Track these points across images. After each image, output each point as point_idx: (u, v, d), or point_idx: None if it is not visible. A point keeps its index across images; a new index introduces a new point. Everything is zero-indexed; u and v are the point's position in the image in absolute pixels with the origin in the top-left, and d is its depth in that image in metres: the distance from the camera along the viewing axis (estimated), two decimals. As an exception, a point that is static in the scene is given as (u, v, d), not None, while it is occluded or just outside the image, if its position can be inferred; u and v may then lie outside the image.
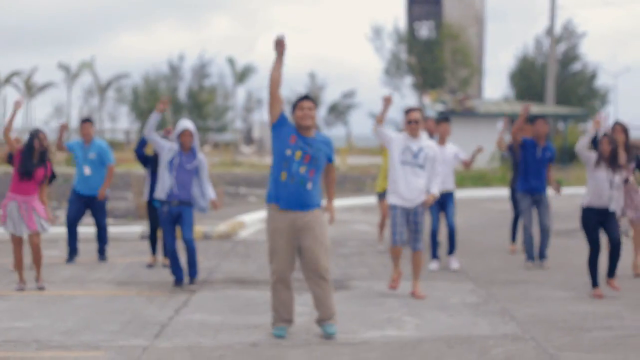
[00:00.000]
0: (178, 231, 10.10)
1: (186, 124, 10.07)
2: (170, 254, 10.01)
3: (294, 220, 7.50)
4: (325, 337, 7.56)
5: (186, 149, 10.01)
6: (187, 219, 10.04)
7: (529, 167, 11.55)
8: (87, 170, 11.96)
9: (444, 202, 11.66)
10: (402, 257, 9.61)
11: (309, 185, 7.48)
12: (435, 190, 9.37)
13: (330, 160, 7.68)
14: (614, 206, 9.39)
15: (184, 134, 9.95)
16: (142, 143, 11.14)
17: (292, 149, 7.46)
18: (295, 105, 7.59)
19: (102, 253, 12.18)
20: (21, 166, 9.78)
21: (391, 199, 9.43)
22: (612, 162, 9.37)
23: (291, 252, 7.58)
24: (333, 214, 7.80)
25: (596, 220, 9.48)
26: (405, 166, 9.31)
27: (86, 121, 12.20)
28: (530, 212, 11.59)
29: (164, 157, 9.98)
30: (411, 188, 9.31)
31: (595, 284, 9.50)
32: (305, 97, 7.65)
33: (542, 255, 11.60)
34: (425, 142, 9.45)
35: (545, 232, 11.56)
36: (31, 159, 9.80)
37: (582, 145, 9.54)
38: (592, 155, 9.49)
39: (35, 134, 9.90)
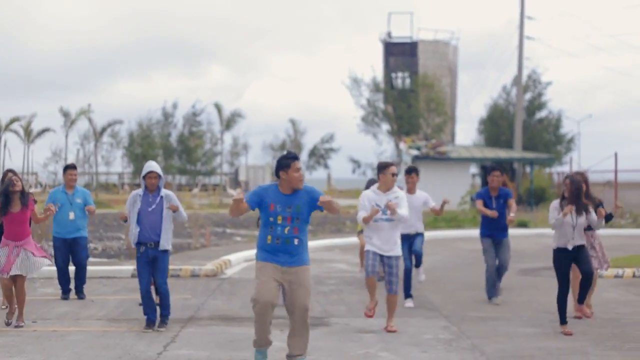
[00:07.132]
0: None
1: (152, 165, 9.59)
2: (144, 295, 9.60)
3: (281, 269, 7.32)
4: None
5: (152, 191, 9.57)
6: (161, 265, 9.62)
7: (488, 217, 11.59)
8: (72, 215, 11.74)
9: (414, 241, 11.69)
10: (378, 292, 9.53)
11: (295, 241, 7.34)
12: (402, 210, 9.28)
13: (316, 204, 7.30)
14: (579, 242, 9.40)
15: (150, 176, 9.49)
16: None
17: (274, 216, 7.31)
18: (289, 165, 7.27)
19: (80, 291, 11.91)
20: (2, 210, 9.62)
21: (368, 247, 9.46)
22: (575, 201, 9.37)
23: (274, 283, 7.27)
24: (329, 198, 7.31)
25: (568, 258, 9.48)
26: (378, 223, 9.32)
27: (72, 167, 11.93)
28: (491, 253, 11.64)
29: (130, 206, 9.62)
30: (385, 241, 9.35)
31: (563, 321, 9.45)
32: (297, 157, 7.37)
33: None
34: (393, 193, 9.38)
35: (501, 267, 11.63)
36: (9, 202, 9.62)
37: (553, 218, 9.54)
38: (558, 214, 9.48)
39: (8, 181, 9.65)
